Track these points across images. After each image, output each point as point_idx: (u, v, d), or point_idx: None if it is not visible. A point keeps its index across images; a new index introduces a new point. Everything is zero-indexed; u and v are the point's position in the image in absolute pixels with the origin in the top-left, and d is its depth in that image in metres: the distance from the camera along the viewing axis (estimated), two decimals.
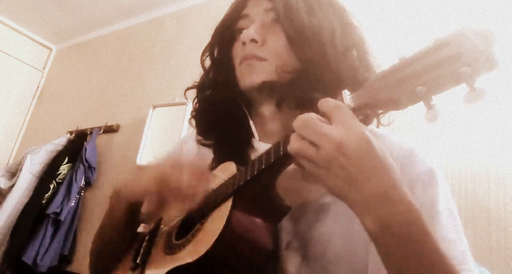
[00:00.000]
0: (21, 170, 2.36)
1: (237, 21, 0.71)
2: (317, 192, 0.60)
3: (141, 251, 0.65)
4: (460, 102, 0.38)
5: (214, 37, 0.76)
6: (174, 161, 0.61)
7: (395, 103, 0.42)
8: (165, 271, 0.54)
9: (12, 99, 3.10)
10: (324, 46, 0.62)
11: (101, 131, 2.48)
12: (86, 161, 2.30)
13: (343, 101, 0.46)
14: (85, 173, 2.29)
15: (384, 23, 1.63)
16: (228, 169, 0.61)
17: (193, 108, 0.78)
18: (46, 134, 2.80)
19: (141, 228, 0.75)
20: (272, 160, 0.50)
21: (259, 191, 0.54)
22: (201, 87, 0.77)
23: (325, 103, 0.45)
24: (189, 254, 0.53)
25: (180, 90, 2.23)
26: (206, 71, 0.78)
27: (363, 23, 0.70)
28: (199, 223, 0.58)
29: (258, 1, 0.69)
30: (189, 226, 0.59)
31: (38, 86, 3.25)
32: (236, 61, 0.69)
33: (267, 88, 0.65)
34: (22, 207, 2.27)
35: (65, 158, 2.37)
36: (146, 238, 0.68)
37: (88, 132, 2.51)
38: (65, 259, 2.16)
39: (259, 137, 0.71)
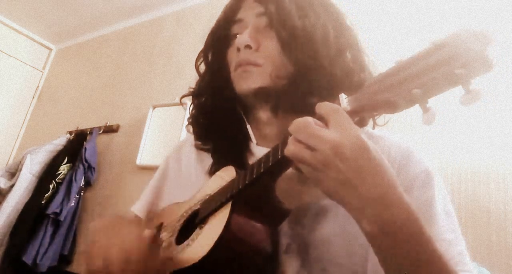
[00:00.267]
0: (21, 170, 2.36)
1: (231, 26, 0.71)
2: (315, 195, 0.60)
3: None
4: (457, 104, 0.38)
5: (208, 42, 0.75)
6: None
7: (391, 106, 0.43)
8: None
9: (11, 99, 3.10)
10: (318, 49, 0.62)
11: (101, 131, 2.48)
12: (86, 161, 2.30)
13: (340, 105, 0.46)
14: (85, 173, 2.29)
15: (383, 23, 1.63)
16: (228, 173, 0.61)
17: (190, 114, 0.78)
18: (46, 134, 2.80)
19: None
20: (270, 163, 0.50)
21: (258, 194, 0.55)
22: (196, 93, 0.77)
23: (322, 106, 0.45)
24: (189, 258, 0.53)
25: (180, 90, 2.24)
26: (201, 77, 0.78)
27: (356, 23, 0.70)
28: (199, 227, 0.58)
29: (251, 5, 0.69)
30: (189, 230, 0.60)
31: (38, 86, 3.25)
32: (231, 66, 0.69)
33: (263, 94, 0.65)
34: (22, 207, 2.27)
35: (65, 158, 2.37)
36: (151, 235, 0.68)
37: (88, 133, 2.51)
38: (65, 259, 2.16)
39: (256, 141, 0.71)
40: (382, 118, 0.67)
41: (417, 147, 0.64)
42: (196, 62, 0.78)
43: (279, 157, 0.48)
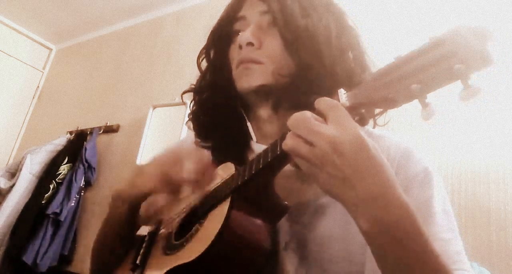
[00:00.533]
0: (21, 170, 2.36)
1: (233, 23, 0.71)
2: (315, 193, 0.60)
3: (141, 252, 0.65)
4: (456, 100, 0.38)
5: (210, 39, 0.75)
6: (174, 154, 0.62)
7: (390, 102, 0.43)
8: (164, 271, 0.54)
9: (12, 99, 3.10)
10: (320, 48, 0.62)
11: (101, 131, 2.48)
12: (86, 161, 2.30)
13: (338, 100, 0.46)
14: (85, 173, 2.29)
15: (383, 23, 1.63)
16: (227, 169, 0.61)
17: (190, 111, 0.78)
18: (46, 134, 2.80)
19: (142, 230, 0.75)
20: (269, 159, 0.50)
21: (257, 190, 0.55)
22: (198, 90, 0.77)
23: (321, 102, 0.45)
24: (188, 254, 0.53)
25: (180, 90, 2.23)
26: (203, 74, 0.78)
27: (358, 23, 0.70)
28: (198, 223, 0.58)
29: (254, 3, 0.69)
30: (188, 226, 0.60)
31: (38, 86, 3.25)
32: (233, 64, 0.69)
33: (264, 92, 0.65)
34: (22, 207, 2.27)
35: (65, 158, 2.37)
36: (146, 239, 0.68)
37: (88, 133, 2.51)
38: (65, 259, 2.16)
39: (256, 139, 0.71)
40: (382, 118, 0.67)
41: (416, 146, 0.64)
42: (198, 59, 0.78)
43: (278, 152, 0.48)
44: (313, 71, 0.62)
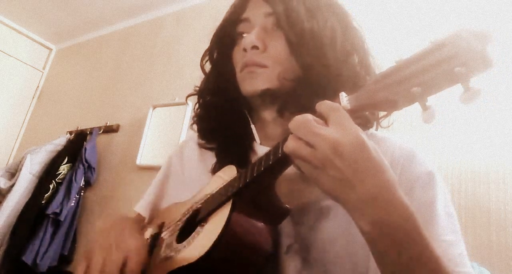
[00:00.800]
0: (21, 170, 2.36)
1: (237, 25, 0.70)
2: (317, 194, 0.60)
3: None
4: (456, 102, 0.38)
5: (214, 41, 0.75)
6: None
7: (391, 105, 0.43)
8: (166, 273, 0.54)
9: (11, 99, 3.10)
10: (325, 51, 0.62)
11: (101, 131, 2.48)
12: (86, 161, 2.30)
13: (340, 103, 0.46)
14: (85, 173, 2.29)
15: (384, 23, 1.63)
16: (229, 172, 0.61)
17: (194, 113, 0.78)
18: (46, 134, 2.80)
19: (146, 232, 0.75)
20: (271, 162, 0.50)
21: (259, 193, 0.55)
22: (202, 93, 0.77)
23: (322, 105, 0.45)
24: (189, 256, 0.53)
25: (180, 90, 2.25)
26: (206, 76, 0.77)
27: (363, 25, 0.69)
28: (200, 225, 0.58)
29: (258, 5, 0.68)
30: (190, 229, 0.60)
31: (38, 86, 3.25)
32: (237, 67, 0.69)
33: (269, 96, 0.65)
34: (22, 207, 2.27)
35: (65, 158, 2.37)
36: (149, 241, 0.68)
37: (88, 133, 2.51)
38: (65, 259, 2.16)
39: (260, 141, 0.71)
40: (386, 121, 0.67)
41: (420, 149, 0.64)
42: (201, 61, 0.78)
43: (279, 155, 0.48)
44: (319, 74, 0.61)
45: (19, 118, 3.14)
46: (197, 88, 0.78)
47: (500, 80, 1.26)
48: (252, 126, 0.72)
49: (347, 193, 0.42)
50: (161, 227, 0.71)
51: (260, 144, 0.70)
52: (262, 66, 0.64)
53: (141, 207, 0.82)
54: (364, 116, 0.63)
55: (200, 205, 0.63)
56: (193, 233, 0.58)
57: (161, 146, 2.16)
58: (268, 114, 0.69)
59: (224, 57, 0.73)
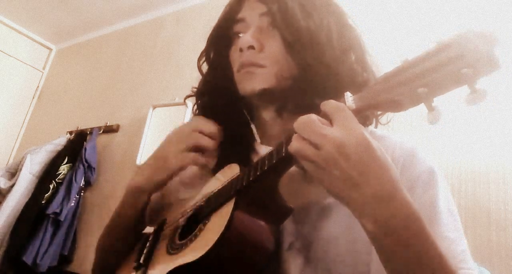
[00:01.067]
0: (21, 170, 2.36)
1: (232, 25, 0.70)
2: (319, 193, 0.60)
3: (145, 251, 0.65)
4: (461, 104, 0.38)
5: (210, 41, 0.75)
6: (183, 130, 0.69)
7: (397, 105, 0.43)
8: (167, 271, 0.54)
9: (11, 99, 3.10)
10: (322, 49, 0.62)
11: (101, 131, 2.48)
12: (86, 161, 2.30)
13: (345, 103, 0.46)
14: (85, 173, 2.29)
15: (384, 23, 1.63)
16: (232, 171, 0.62)
17: (193, 114, 0.78)
18: (46, 134, 2.80)
19: (146, 230, 0.75)
20: (274, 161, 0.50)
21: (262, 192, 0.55)
22: (199, 93, 0.77)
23: (327, 104, 0.45)
24: (191, 254, 0.53)
25: (180, 90, 2.25)
26: (204, 77, 0.77)
27: (359, 23, 0.69)
28: (202, 223, 0.58)
29: (253, 5, 0.68)
30: (193, 226, 0.60)
31: (38, 86, 3.25)
32: (234, 67, 0.69)
33: (267, 95, 0.65)
34: (22, 207, 2.26)
35: (65, 158, 2.37)
36: (150, 238, 0.68)
37: (88, 133, 2.51)
38: (65, 259, 2.16)
39: (260, 140, 0.71)
40: (385, 118, 0.67)
41: (420, 146, 0.64)
42: (198, 62, 0.78)
43: (283, 154, 0.49)
44: (316, 72, 0.61)
45: (19, 118, 3.14)
46: (195, 89, 0.78)
47: (500, 81, 1.26)
48: (252, 125, 0.72)
49: (352, 193, 0.42)
50: (162, 224, 0.71)
51: (261, 143, 0.71)
52: (259, 66, 0.64)
53: None
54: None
55: (202, 203, 0.63)
56: (195, 231, 0.58)
57: None
58: (267, 113, 0.69)
59: (221, 57, 0.73)
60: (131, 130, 2.37)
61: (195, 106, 0.78)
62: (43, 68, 3.32)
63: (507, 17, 1.33)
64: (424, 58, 0.42)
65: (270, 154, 0.52)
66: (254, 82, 0.64)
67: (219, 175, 0.66)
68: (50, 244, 2.11)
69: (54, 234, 2.14)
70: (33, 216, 2.18)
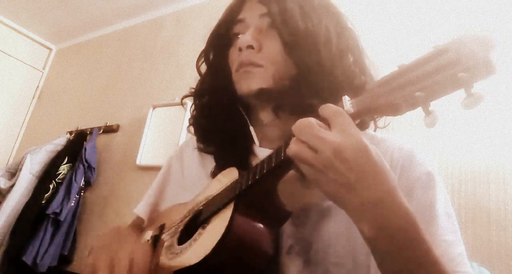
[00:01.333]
0: (21, 170, 2.36)
1: (232, 26, 0.70)
2: (318, 196, 0.60)
3: None
4: (457, 105, 0.38)
5: (210, 42, 0.75)
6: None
7: (394, 109, 0.43)
8: None
9: (11, 99, 3.10)
10: (320, 50, 0.62)
11: (101, 131, 2.48)
12: (86, 161, 2.30)
13: (343, 107, 0.46)
14: (85, 173, 2.29)
15: (384, 23, 1.63)
16: (231, 174, 0.61)
17: (191, 115, 0.78)
18: (46, 134, 2.80)
19: (147, 235, 0.75)
20: (273, 165, 0.50)
21: (261, 195, 0.55)
22: (198, 94, 0.77)
23: (326, 108, 0.45)
24: (190, 258, 0.53)
25: (180, 90, 2.24)
26: (202, 77, 0.77)
27: (357, 25, 0.70)
28: (201, 227, 0.58)
29: (253, 6, 0.68)
30: (192, 231, 0.60)
31: (38, 86, 3.25)
32: (233, 67, 0.69)
33: (264, 95, 0.65)
34: (22, 207, 2.27)
35: (65, 158, 2.37)
36: (149, 242, 0.68)
37: (88, 133, 2.51)
38: (65, 259, 2.16)
39: (259, 143, 0.71)
40: (382, 121, 0.67)
41: (419, 149, 0.64)
42: (197, 62, 0.78)
43: (282, 158, 0.49)
44: (314, 73, 0.61)
45: (19, 118, 3.14)
46: (193, 90, 0.78)
47: (500, 81, 1.26)
48: (251, 128, 0.72)
49: (349, 197, 0.42)
50: (161, 228, 0.71)
51: (259, 145, 0.70)
52: (257, 65, 0.64)
53: (140, 209, 0.82)
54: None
55: (201, 207, 0.63)
56: (195, 235, 0.58)
57: (161, 146, 2.16)
58: (265, 115, 0.69)
59: (220, 58, 0.73)
60: (131, 130, 2.37)
61: (193, 107, 0.78)
62: (43, 68, 3.32)
63: (507, 17, 1.33)
64: (421, 62, 0.42)
65: (269, 157, 0.52)
66: (251, 82, 0.64)
67: (218, 179, 0.66)
68: (50, 244, 2.11)
69: (54, 234, 2.14)
70: (33, 216, 2.18)
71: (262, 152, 0.68)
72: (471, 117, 1.35)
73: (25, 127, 3.16)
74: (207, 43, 0.76)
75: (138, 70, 2.60)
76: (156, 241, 0.68)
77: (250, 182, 0.53)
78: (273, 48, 0.65)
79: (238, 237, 0.51)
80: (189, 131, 0.79)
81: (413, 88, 0.41)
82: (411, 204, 0.44)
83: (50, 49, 3.40)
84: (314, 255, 0.57)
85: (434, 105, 0.41)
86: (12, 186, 2.34)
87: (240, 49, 0.65)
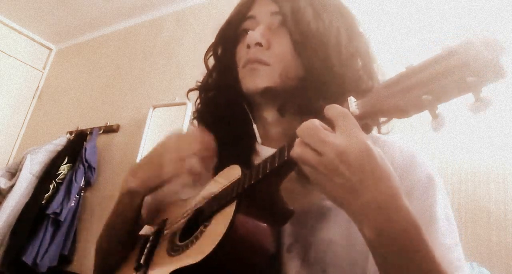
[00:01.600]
0: (21, 170, 2.36)
1: (242, 22, 0.70)
2: (318, 196, 0.60)
3: (145, 251, 0.65)
4: (466, 111, 0.38)
5: (219, 37, 0.74)
6: (178, 140, 0.67)
7: (400, 112, 0.43)
8: (168, 272, 0.54)
9: (11, 99, 3.10)
10: (329, 52, 0.62)
11: (101, 131, 2.48)
12: (86, 161, 2.30)
13: (348, 108, 0.46)
14: (85, 173, 2.29)
15: (384, 23, 1.63)
16: (233, 172, 0.61)
17: (195, 109, 0.78)
18: (46, 134, 2.80)
19: (145, 229, 0.75)
20: (276, 165, 0.50)
21: (263, 194, 0.55)
22: (203, 88, 0.77)
23: (331, 110, 0.45)
24: (192, 256, 0.53)
25: (180, 90, 2.25)
26: (209, 72, 0.77)
27: (368, 29, 0.69)
28: (203, 225, 0.58)
29: (265, 3, 0.68)
30: (193, 228, 0.60)
31: (38, 86, 3.25)
32: (240, 63, 0.69)
33: (270, 94, 0.64)
34: (22, 207, 2.27)
35: (65, 158, 2.37)
36: (150, 239, 0.68)
37: (88, 133, 2.51)
38: (65, 259, 2.16)
39: (261, 140, 0.71)
40: (385, 127, 0.66)
41: (419, 151, 0.64)
42: (205, 56, 0.77)
43: (285, 158, 0.49)
44: (322, 75, 0.61)
45: (19, 118, 3.14)
46: (199, 83, 0.78)
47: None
48: (254, 125, 0.72)
49: (352, 200, 0.42)
50: (163, 224, 0.71)
51: (262, 143, 0.70)
52: (265, 63, 0.64)
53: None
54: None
55: (203, 204, 0.63)
56: (196, 233, 0.58)
57: None
58: (269, 114, 0.69)
59: (228, 53, 0.73)
60: (131, 130, 2.37)
61: (198, 101, 0.77)
62: (43, 68, 3.32)
63: (507, 17, 1.33)
64: (428, 64, 0.41)
65: (272, 157, 0.52)
66: (257, 80, 0.64)
67: (220, 176, 0.66)
68: (50, 244, 2.11)
69: (54, 234, 2.14)
70: (33, 216, 2.18)
71: (264, 150, 0.68)
72: (471, 117, 1.35)
73: (25, 127, 3.16)
74: (216, 37, 0.75)
75: (138, 70, 2.60)
76: (158, 236, 0.68)
77: (253, 181, 0.53)
78: (282, 47, 0.64)
79: (240, 236, 0.51)
80: (193, 124, 0.79)
81: (420, 91, 0.40)
82: (411, 206, 0.44)
83: (50, 49, 3.40)
84: (312, 255, 0.57)
85: (440, 108, 0.40)
86: (12, 186, 2.34)
87: (248, 46, 0.65)
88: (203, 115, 0.76)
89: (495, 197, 1.23)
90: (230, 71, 0.71)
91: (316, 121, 0.45)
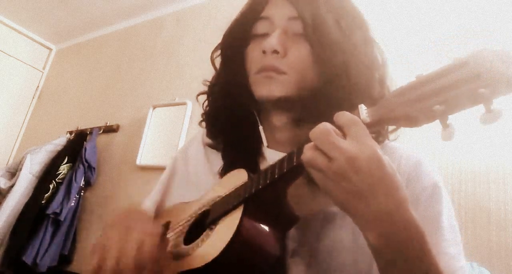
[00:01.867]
0: (21, 170, 2.36)
1: (254, 22, 0.67)
2: (324, 201, 0.59)
3: None
4: (477, 122, 0.38)
5: (227, 36, 0.71)
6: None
7: (411, 121, 0.43)
8: None
9: (11, 99, 3.10)
10: (349, 64, 0.60)
11: (101, 131, 2.48)
12: (86, 161, 2.30)
13: (359, 116, 0.46)
14: (85, 172, 2.29)
15: (384, 23, 1.63)
16: (239, 176, 0.61)
17: (203, 110, 0.77)
18: (46, 134, 2.80)
19: None
20: (285, 170, 0.50)
21: (270, 199, 0.55)
22: (212, 90, 0.75)
23: (341, 116, 0.45)
24: (198, 259, 0.53)
25: (180, 90, 2.25)
26: (218, 73, 0.75)
27: (382, 38, 0.68)
28: (209, 228, 0.58)
29: (281, 4, 0.65)
30: (198, 231, 0.60)
31: (38, 86, 3.25)
32: (252, 68, 0.66)
33: (284, 103, 0.63)
34: (22, 207, 2.27)
35: (65, 158, 2.37)
36: (161, 229, 0.68)
37: (88, 132, 2.51)
38: (65, 259, 2.16)
39: (267, 144, 0.70)
40: (393, 135, 0.66)
41: (426, 159, 0.64)
42: (212, 55, 0.75)
43: (294, 163, 0.48)
44: (338, 87, 0.60)
45: (19, 118, 3.14)
46: (208, 84, 0.76)
47: None
48: (261, 128, 0.71)
49: (359, 206, 0.43)
50: (167, 226, 0.71)
51: (268, 146, 0.69)
52: (281, 72, 0.62)
53: (147, 206, 0.81)
54: (377, 131, 0.63)
55: (209, 207, 0.63)
56: (202, 236, 0.57)
57: (161, 146, 2.16)
58: (278, 120, 0.67)
59: (237, 54, 0.70)
60: (131, 130, 2.37)
61: (206, 103, 0.76)
62: (43, 68, 3.32)
63: (507, 17, 1.33)
64: (440, 74, 0.41)
65: (280, 162, 0.51)
66: (272, 88, 0.62)
67: (225, 180, 0.65)
68: (50, 244, 2.11)
69: (54, 234, 2.14)
70: (33, 216, 2.18)
71: (270, 154, 0.68)
72: (471, 117, 1.34)
73: (25, 127, 3.16)
74: (224, 36, 0.72)
75: (138, 70, 2.60)
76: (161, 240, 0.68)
77: (260, 186, 0.53)
78: (299, 55, 0.62)
79: (246, 241, 0.51)
80: (201, 126, 0.79)
81: (432, 101, 0.41)
82: (416, 214, 0.45)
83: (50, 49, 3.40)
84: (316, 260, 0.57)
85: (451, 118, 0.41)
86: (12, 186, 2.34)
87: (264, 52, 0.63)
88: (211, 118, 0.75)
89: (495, 197, 1.23)
90: (239, 73, 0.69)
91: (328, 125, 0.44)
